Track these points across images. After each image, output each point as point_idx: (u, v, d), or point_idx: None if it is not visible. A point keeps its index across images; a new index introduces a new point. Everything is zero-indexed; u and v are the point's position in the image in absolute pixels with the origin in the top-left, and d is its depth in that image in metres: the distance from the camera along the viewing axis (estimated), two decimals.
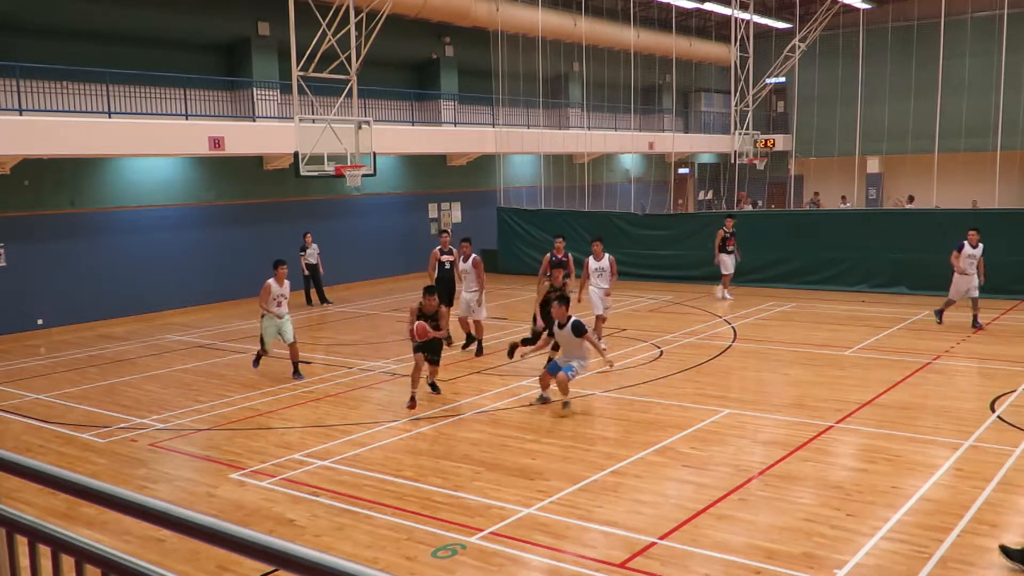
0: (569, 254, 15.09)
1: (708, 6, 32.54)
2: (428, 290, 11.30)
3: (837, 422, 10.22)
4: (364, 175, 18.31)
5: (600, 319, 14.79)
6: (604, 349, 12.08)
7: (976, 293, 15.72)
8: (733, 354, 14.37)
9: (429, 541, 7.08)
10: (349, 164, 17.74)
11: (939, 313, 16.33)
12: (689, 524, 7.29)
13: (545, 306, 12.57)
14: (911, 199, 31.35)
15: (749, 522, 7.34)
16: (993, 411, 10.49)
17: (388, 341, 16.30)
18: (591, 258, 14.73)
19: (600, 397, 11.72)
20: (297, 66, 16.97)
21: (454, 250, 15.21)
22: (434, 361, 11.58)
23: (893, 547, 6.73)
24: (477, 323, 14.71)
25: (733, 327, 16.62)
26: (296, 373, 13.22)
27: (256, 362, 13.61)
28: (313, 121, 17.46)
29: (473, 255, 14.80)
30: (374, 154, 18.47)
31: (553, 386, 11.10)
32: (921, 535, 6.93)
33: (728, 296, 19.87)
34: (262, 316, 13.22)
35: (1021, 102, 28.95)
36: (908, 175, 35.43)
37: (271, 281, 13.12)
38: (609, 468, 8.73)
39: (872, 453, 9.11)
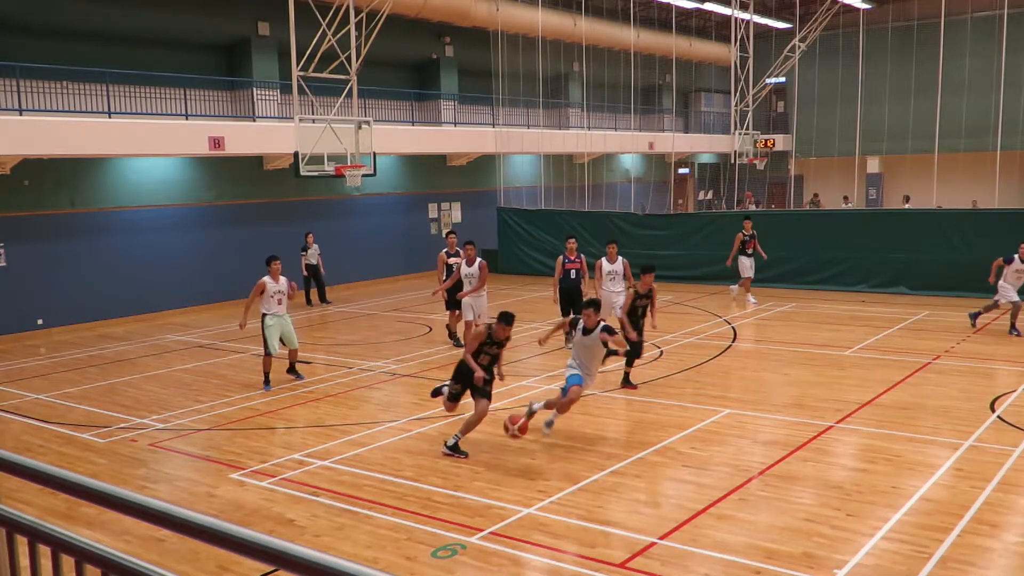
0: (581, 255, 14.86)
1: (708, 6, 32.54)
2: (505, 318, 9.29)
3: (837, 422, 10.22)
4: (364, 175, 18.31)
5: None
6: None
7: (1017, 297, 15.32)
8: (733, 354, 14.37)
9: (429, 541, 7.09)
10: (349, 164, 17.75)
11: (1012, 328, 15.39)
12: (689, 524, 7.29)
13: (632, 315, 12.07)
14: (907, 199, 31.34)
15: (749, 522, 7.34)
16: (993, 411, 10.49)
17: (388, 341, 16.30)
18: (604, 260, 14.28)
19: (600, 397, 11.72)
20: (297, 66, 16.97)
21: (461, 251, 14.83)
22: (485, 394, 9.42)
23: (893, 547, 6.73)
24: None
25: (733, 327, 16.62)
26: (292, 371, 13.03)
27: (267, 381, 12.65)
28: (313, 121, 17.46)
29: (479, 259, 14.35)
30: (374, 154, 18.47)
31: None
32: (921, 535, 6.93)
33: (752, 300, 19.32)
34: (263, 317, 12.58)
35: (1021, 102, 28.94)
36: (908, 175, 35.43)
37: (266, 278, 12.51)
38: (609, 468, 8.73)
39: (872, 453, 9.11)
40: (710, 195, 40.19)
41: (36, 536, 2.39)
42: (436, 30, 26.64)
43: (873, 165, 37.26)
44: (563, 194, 28.72)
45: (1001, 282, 15.34)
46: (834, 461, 9.01)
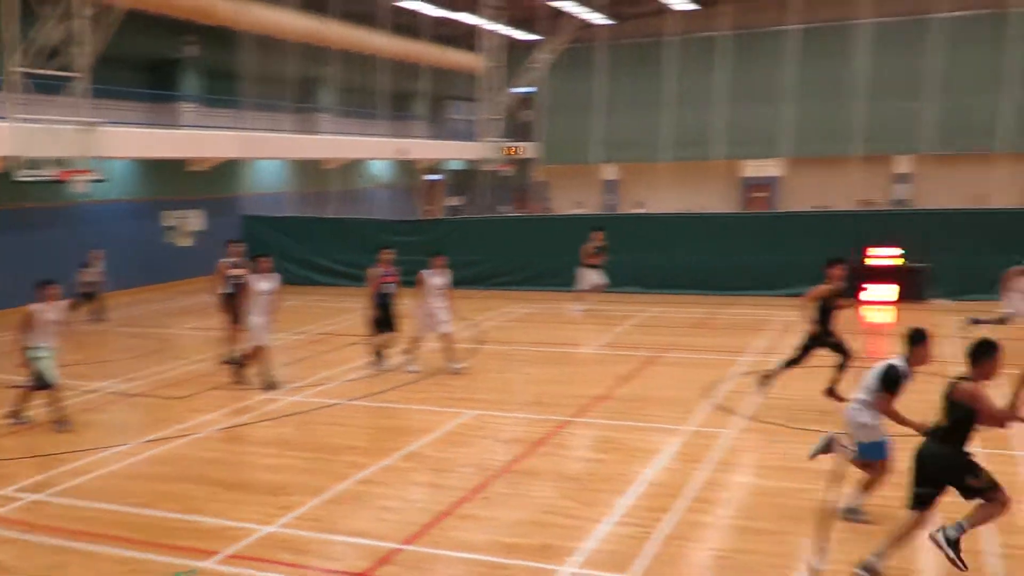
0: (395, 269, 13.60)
1: (456, 16, 33.15)
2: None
3: (574, 416, 10.75)
4: (93, 180, 17.02)
5: None
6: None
7: None
8: (480, 356, 14.69)
9: (159, 571, 6.66)
10: (75, 169, 16.42)
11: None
12: (434, 527, 7.37)
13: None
14: (640, 205, 33.70)
15: (492, 519, 7.54)
16: (707, 398, 11.46)
17: (117, 359, 15.16)
18: (429, 273, 13.13)
19: (347, 406, 11.55)
20: (15, 60, 15.45)
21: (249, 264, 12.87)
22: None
23: (624, 530, 7.18)
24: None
25: (480, 329, 17.03)
26: (62, 423, 10.65)
27: (19, 415, 10.86)
28: (34, 121, 15.98)
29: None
30: (104, 158, 17.18)
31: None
32: (648, 517, 7.44)
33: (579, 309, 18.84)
34: (28, 349, 10.52)
35: (732, 114, 31.99)
36: (642, 182, 38.14)
37: (39, 306, 10.61)
38: (354, 477, 8.64)
39: (604, 444, 9.65)
40: (460, 201, 41.05)
41: None
42: (179, 28, 25.12)
43: (612, 172, 39.72)
44: (313, 200, 28.16)
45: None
46: (568, 454, 9.47)
